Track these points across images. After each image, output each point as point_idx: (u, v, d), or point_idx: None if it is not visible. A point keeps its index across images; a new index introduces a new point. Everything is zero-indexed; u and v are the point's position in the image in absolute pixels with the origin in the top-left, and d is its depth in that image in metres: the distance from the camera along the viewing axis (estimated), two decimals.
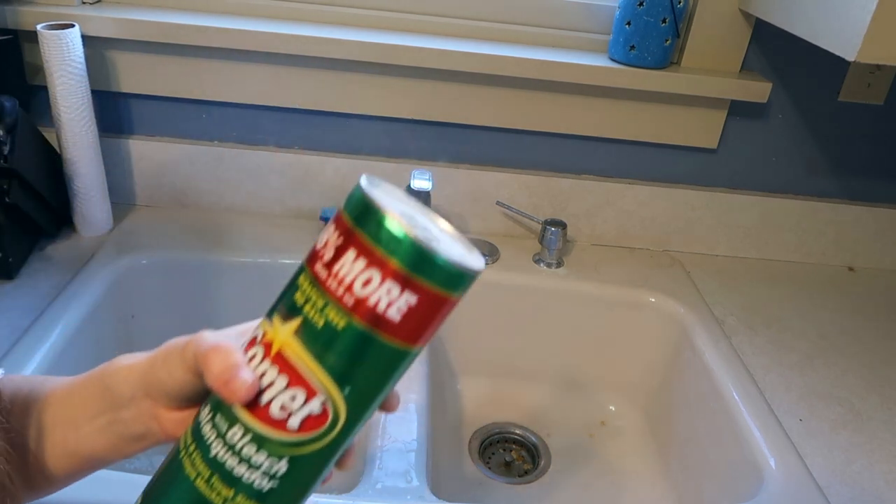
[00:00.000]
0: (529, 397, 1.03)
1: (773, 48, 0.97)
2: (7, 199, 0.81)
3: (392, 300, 0.29)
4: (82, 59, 0.85)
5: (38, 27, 0.82)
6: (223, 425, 0.32)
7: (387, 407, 0.35)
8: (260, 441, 0.31)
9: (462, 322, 0.99)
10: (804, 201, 1.07)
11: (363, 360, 0.30)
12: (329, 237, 0.30)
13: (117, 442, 0.38)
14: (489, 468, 0.92)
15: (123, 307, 0.90)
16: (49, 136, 0.90)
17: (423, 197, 0.94)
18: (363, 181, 0.30)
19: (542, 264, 1.00)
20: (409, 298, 0.29)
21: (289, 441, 0.31)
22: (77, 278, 0.85)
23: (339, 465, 0.34)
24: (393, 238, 0.28)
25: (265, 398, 0.31)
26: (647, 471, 0.92)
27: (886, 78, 0.99)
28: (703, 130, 1.01)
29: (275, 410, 0.31)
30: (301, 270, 0.31)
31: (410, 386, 0.77)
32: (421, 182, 0.90)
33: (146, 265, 0.91)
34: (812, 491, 0.68)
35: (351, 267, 0.29)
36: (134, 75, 0.95)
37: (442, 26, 0.99)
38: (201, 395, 0.35)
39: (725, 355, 0.86)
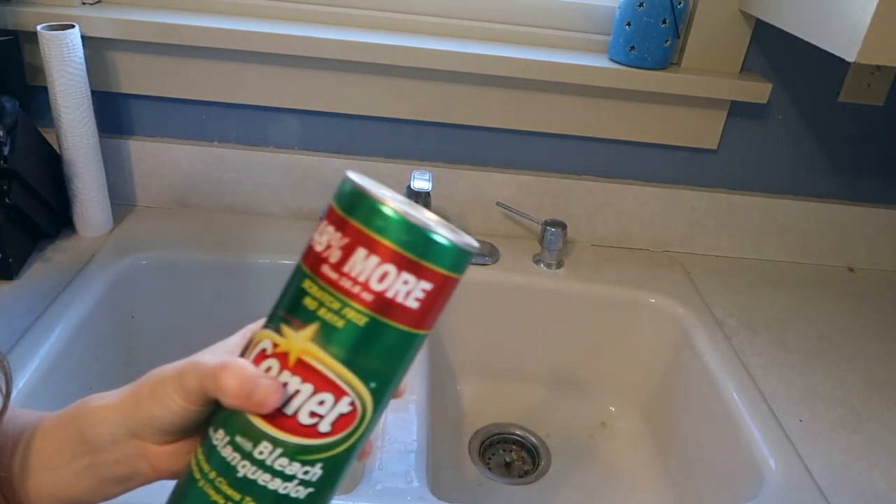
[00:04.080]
0: (529, 398, 1.03)
1: (773, 49, 0.97)
2: (7, 200, 0.81)
3: (410, 290, 0.29)
4: (82, 60, 0.85)
5: (39, 28, 0.82)
6: (247, 444, 0.31)
7: (397, 393, 0.34)
8: (293, 452, 0.30)
9: (462, 323, 0.99)
10: (804, 201, 1.07)
11: (386, 352, 0.30)
12: (331, 238, 0.30)
13: (99, 485, 0.36)
14: (489, 469, 0.92)
15: (123, 307, 0.90)
16: (49, 136, 0.90)
17: (422, 197, 0.94)
18: (353, 175, 0.30)
19: (542, 265, 1.00)
20: (424, 286, 0.29)
21: (322, 445, 0.31)
22: (77, 279, 0.85)
23: (361, 454, 0.34)
24: (404, 230, 0.28)
25: (292, 408, 0.30)
26: (646, 471, 0.92)
27: (886, 78, 0.99)
28: (703, 131, 1.01)
29: (304, 418, 0.30)
30: (304, 276, 0.31)
31: (410, 387, 0.77)
32: (421, 182, 0.90)
33: (146, 266, 0.91)
34: (812, 492, 0.68)
35: (364, 265, 0.29)
36: (134, 75, 0.95)
37: (442, 27, 0.99)
38: (198, 424, 0.34)
39: (725, 356, 0.86)
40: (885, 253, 1.11)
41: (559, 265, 1.00)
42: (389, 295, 0.29)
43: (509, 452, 0.95)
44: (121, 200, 1.02)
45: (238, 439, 0.31)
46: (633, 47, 0.92)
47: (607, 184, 1.04)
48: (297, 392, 0.30)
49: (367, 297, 0.29)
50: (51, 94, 0.85)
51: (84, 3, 0.93)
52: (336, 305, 0.29)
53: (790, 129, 1.03)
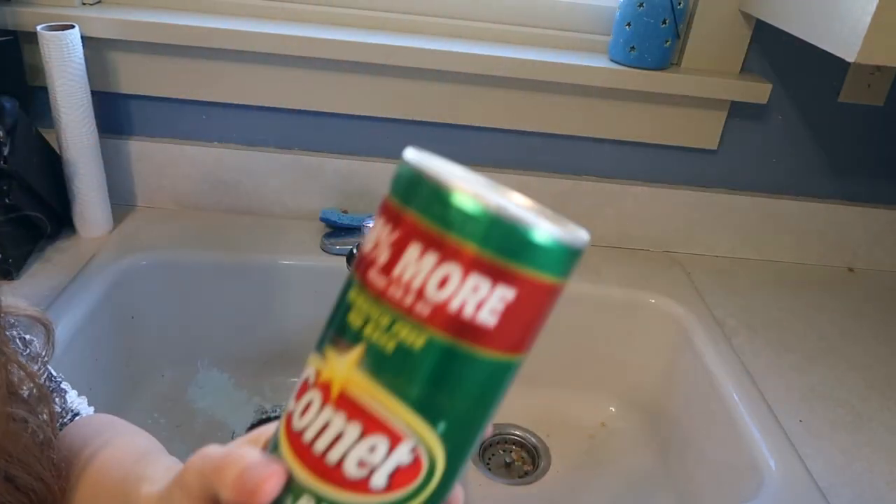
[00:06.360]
0: (529, 398, 1.03)
1: (773, 49, 0.97)
2: (7, 200, 0.81)
3: (482, 299, 0.22)
4: (82, 60, 0.85)
5: (39, 28, 0.82)
6: (287, 499, 0.25)
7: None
8: None
9: None
10: (804, 202, 1.07)
11: (456, 385, 0.23)
12: (379, 234, 0.23)
13: None
14: (489, 469, 0.92)
15: (123, 308, 0.90)
16: (49, 137, 0.90)
17: None
18: (409, 153, 0.23)
19: None
20: (503, 294, 0.22)
21: None
22: (77, 279, 0.85)
23: None
24: (469, 216, 0.21)
25: (335, 454, 0.23)
26: (647, 472, 0.92)
27: (886, 79, 0.99)
28: (703, 131, 1.01)
29: (351, 469, 0.23)
30: (349, 285, 0.24)
31: None
32: None
33: (146, 266, 0.91)
34: (812, 492, 0.68)
35: (418, 266, 0.22)
36: (134, 76, 0.95)
37: (442, 27, 0.99)
38: None
39: (725, 356, 0.86)
40: (885, 253, 1.11)
41: None
42: (454, 307, 0.22)
43: (509, 453, 0.95)
44: (121, 200, 1.02)
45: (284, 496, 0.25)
46: (633, 47, 0.92)
47: (607, 184, 1.04)
48: (340, 435, 0.23)
49: (423, 308, 0.22)
50: (51, 94, 0.85)
51: (84, 3, 0.93)
52: (385, 321, 0.22)
53: (790, 129, 1.03)
